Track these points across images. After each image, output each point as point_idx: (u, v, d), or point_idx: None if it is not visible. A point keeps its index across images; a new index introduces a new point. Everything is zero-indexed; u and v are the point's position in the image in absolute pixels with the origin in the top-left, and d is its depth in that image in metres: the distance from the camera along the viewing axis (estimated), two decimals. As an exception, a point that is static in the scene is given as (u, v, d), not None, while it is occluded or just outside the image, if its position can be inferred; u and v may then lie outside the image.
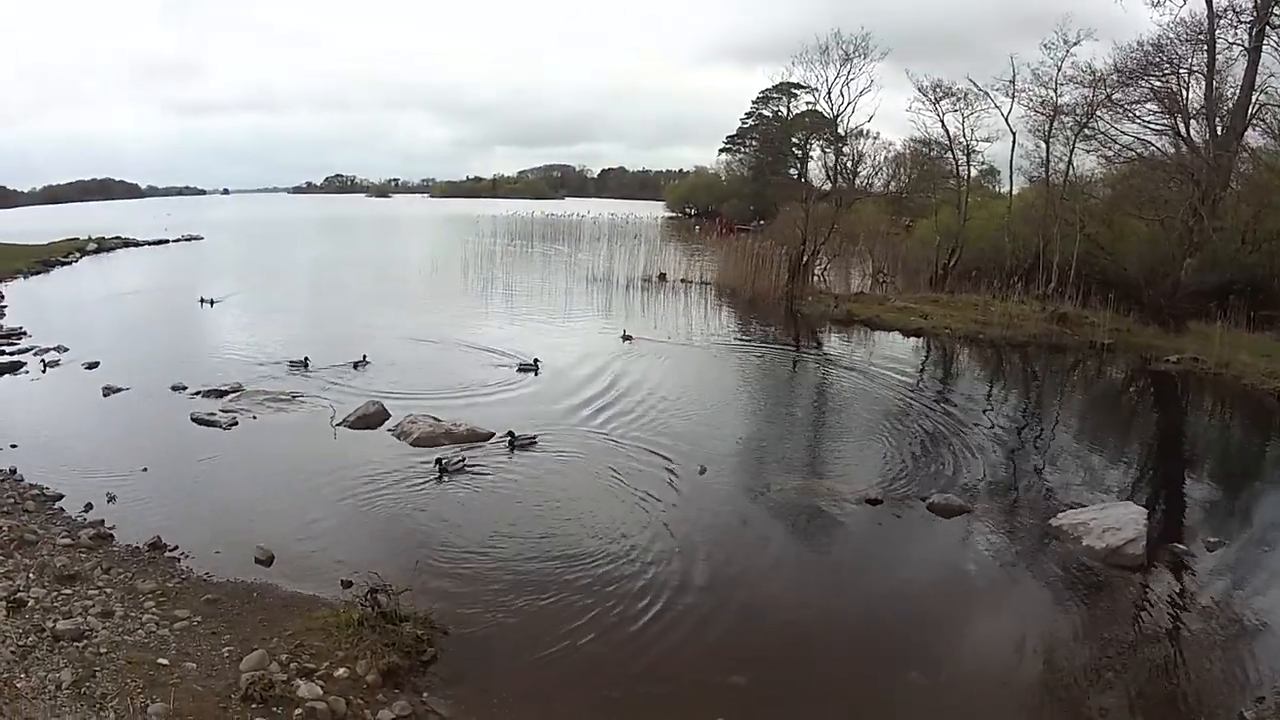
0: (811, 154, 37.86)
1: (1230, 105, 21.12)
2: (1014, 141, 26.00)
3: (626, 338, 16.86)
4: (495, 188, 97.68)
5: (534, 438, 9.69)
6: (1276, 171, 21.95)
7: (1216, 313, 19.26)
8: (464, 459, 8.69)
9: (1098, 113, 23.05)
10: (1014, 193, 27.70)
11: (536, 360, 13.87)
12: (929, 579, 7.27)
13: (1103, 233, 23.64)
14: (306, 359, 13.21)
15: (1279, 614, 6.79)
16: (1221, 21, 20.98)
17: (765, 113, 50.45)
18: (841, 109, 27.24)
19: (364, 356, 13.65)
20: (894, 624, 6.34)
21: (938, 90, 27.85)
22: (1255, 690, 5.68)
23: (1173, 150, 21.92)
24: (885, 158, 42.33)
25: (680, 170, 79.07)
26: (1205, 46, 20.89)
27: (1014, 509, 9.01)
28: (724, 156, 56.89)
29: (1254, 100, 20.94)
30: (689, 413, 11.93)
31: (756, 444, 10.88)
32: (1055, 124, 24.04)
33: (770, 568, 7.24)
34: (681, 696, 5.13)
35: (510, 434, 9.63)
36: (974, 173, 30.74)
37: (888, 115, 51.40)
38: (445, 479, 8.31)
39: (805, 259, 25.69)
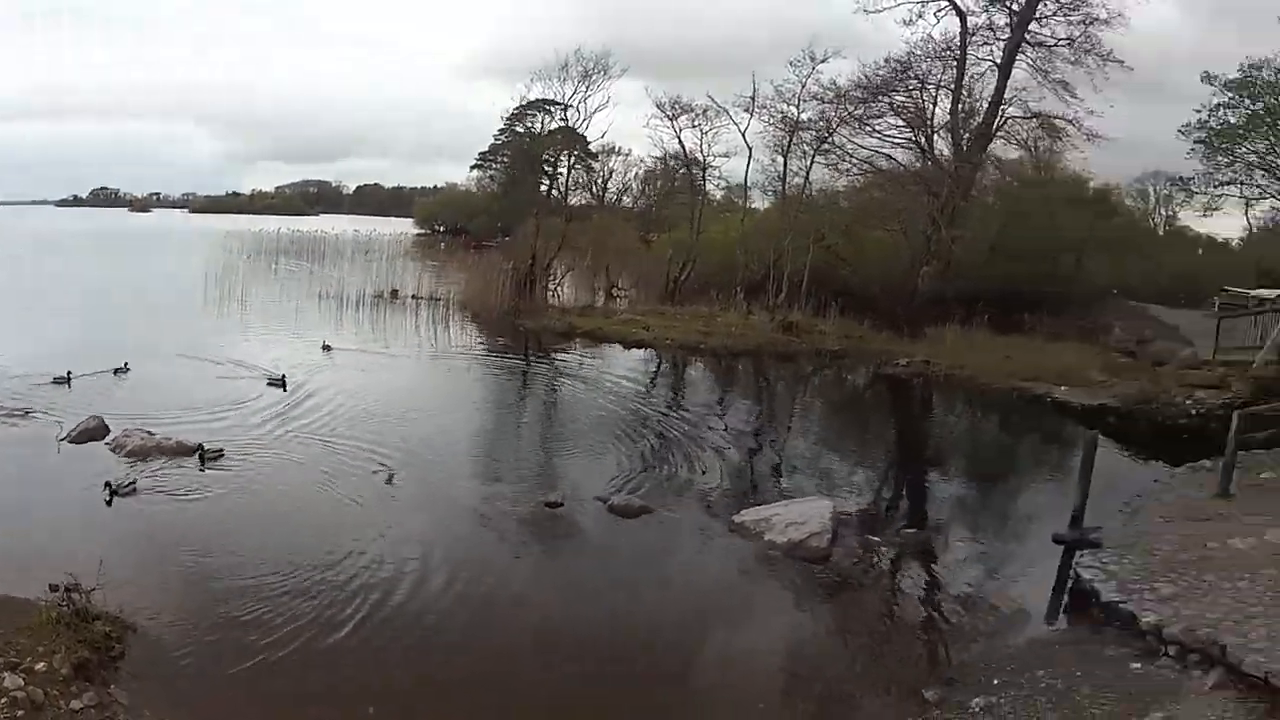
0: (560, 170, 58.80)
1: (978, 119, 38.83)
2: (749, 157, 44.22)
3: (326, 348, 28.09)
4: (253, 203, 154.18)
5: (220, 450, 16.37)
6: (1024, 182, 41.53)
7: (962, 319, 32.86)
8: (135, 478, 14.61)
9: (838, 128, 40.56)
10: (753, 208, 48.93)
11: (284, 375, 22.64)
12: (603, 579, 12.58)
13: (843, 244, 40.89)
14: (69, 373, 21.32)
15: (963, 597, 12.30)
16: (974, 39, 38.90)
17: (519, 129, 73.80)
18: (578, 124, 46.69)
19: (125, 364, 22.91)
20: (564, 625, 11.09)
21: (675, 107, 46.25)
22: (939, 669, 10.21)
23: (915, 163, 39.20)
24: (635, 174, 75.38)
25: (434, 187, 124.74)
26: (955, 63, 38.52)
27: (700, 508, 15.15)
28: (475, 173, 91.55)
29: (1000, 114, 39.22)
30: (392, 423, 19.44)
31: (449, 452, 17.80)
32: (794, 139, 41.58)
33: (436, 574, 12.13)
34: (344, 691, 9.34)
35: (200, 447, 16.31)
36: (717, 188, 54.31)
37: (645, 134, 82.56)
38: (119, 497, 13.95)
39: (534, 274, 42.06)
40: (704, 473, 17.32)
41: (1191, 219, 59.72)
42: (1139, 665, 9.60)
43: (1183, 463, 17.59)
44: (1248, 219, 56.16)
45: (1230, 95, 37.37)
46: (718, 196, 58.35)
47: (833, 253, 41.06)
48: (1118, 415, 22.74)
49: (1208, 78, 37.75)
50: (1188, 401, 21.83)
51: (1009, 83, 39.22)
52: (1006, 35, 38.85)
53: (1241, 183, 39.29)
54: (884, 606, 12.16)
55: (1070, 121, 39.92)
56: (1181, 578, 11.35)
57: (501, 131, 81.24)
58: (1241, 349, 23.92)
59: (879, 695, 9.71)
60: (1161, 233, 68.21)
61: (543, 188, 57.82)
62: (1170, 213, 67.89)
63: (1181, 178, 42.36)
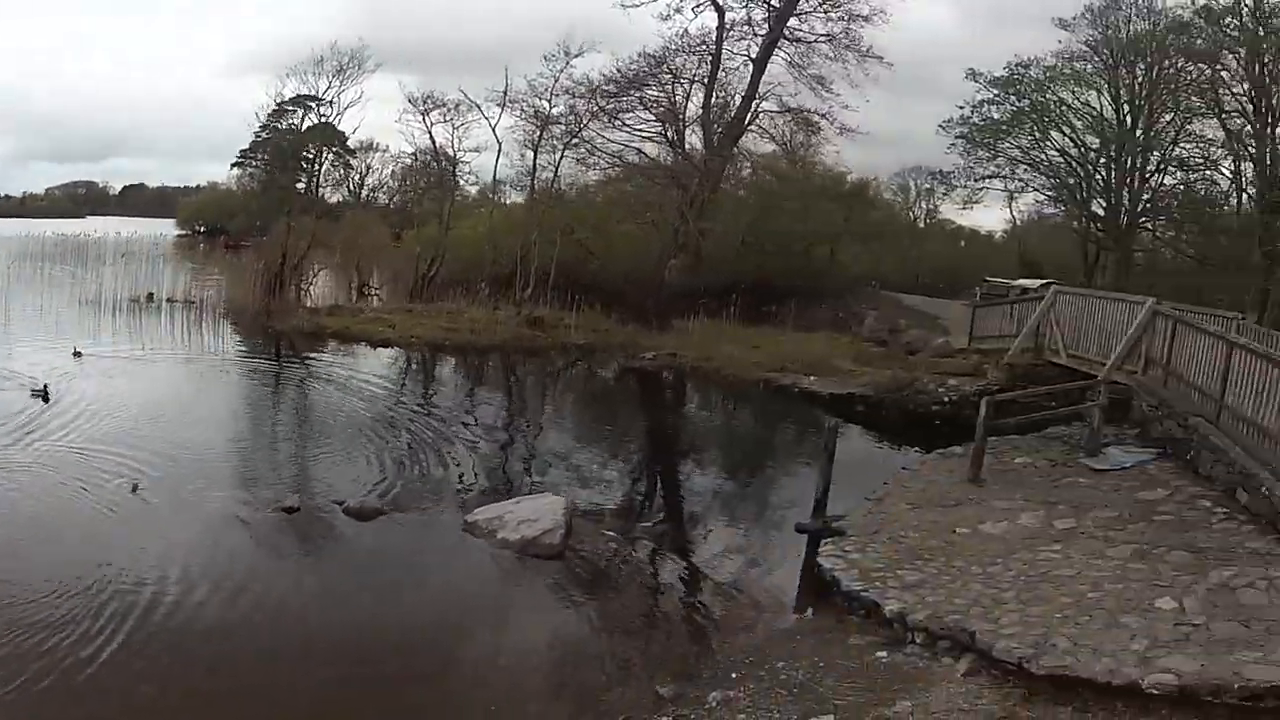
0: (319, 167, 64.54)
1: (731, 114, 45.10)
2: (499, 151, 47.78)
3: (77, 354, 28.84)
4: (25, 205, 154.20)
5: None
6: (778, 175, 46.53)
7: (714, 311, 37.58)
8: None
9: (589, 123, 45.03)
10: (505, 203, 54.79)
11: (46, 386, 23.03)
12: (338, 583, 13.32)
13: (594, 238, 45.57)
14: None
15: (704, 589, 13.68)
16: (731, 34, 44.38)
17: (280, 125, 73.31)
18: (332, 119, 51.82)
19: None
20: (314, 630, 11.72)
21: (428, 101, 49.82)
22: (675, 665, 10.98)
23: (666, 157, 45.14)
24: (393, 171, 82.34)
25: (197, 186, 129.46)
26: (710, 58, 43.91)
27: (437, 508, 16.43)
28: (235, 171, 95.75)
29: (753, 108, 45.09)
30: (139, 430, 20.31)
31: (195, 460, 18.46)
32: (545, 134, 45.25)
33: (177, 580, 12.64)
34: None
35: None
36: (468, 184, 59.77)
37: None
38: None
39: (284, 274, 44.78)
40: (444, 472, 18.73)
41: (953, 212, 65.63)
42: (885, 654, 10.47)
43: (935, 449, 19.07)
44: (1011, 212, 62.68)
45: (995, 92, 43.19)
46: (472, 193, 61.58)
47: (582, 247, 45.02)
48: (867, 404, 25.09)
49: (972, 75, 43.21)
50: (940, 389, 23.89)
51: (764, 78, 44.72)
52: (765, 31, 44.29)
53: (1004, 176, 45.53)
54: (619, 602, 12.96)
55: (823, 116, 45.66)
56: (928, 564, 12.51)
57: (263, 128, 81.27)
58: (996, 337, 26.30)
59: (612, 693, 10.22)
60: (922, 225, 75.01)
61: (300, 185, 61.22)
62: (931, 206, 74.42)
63: (942, 171, 49.29)
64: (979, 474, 16.23)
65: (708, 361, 31.79)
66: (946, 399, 23.36)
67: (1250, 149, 41.72)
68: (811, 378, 28.18)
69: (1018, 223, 66.07)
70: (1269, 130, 41.20)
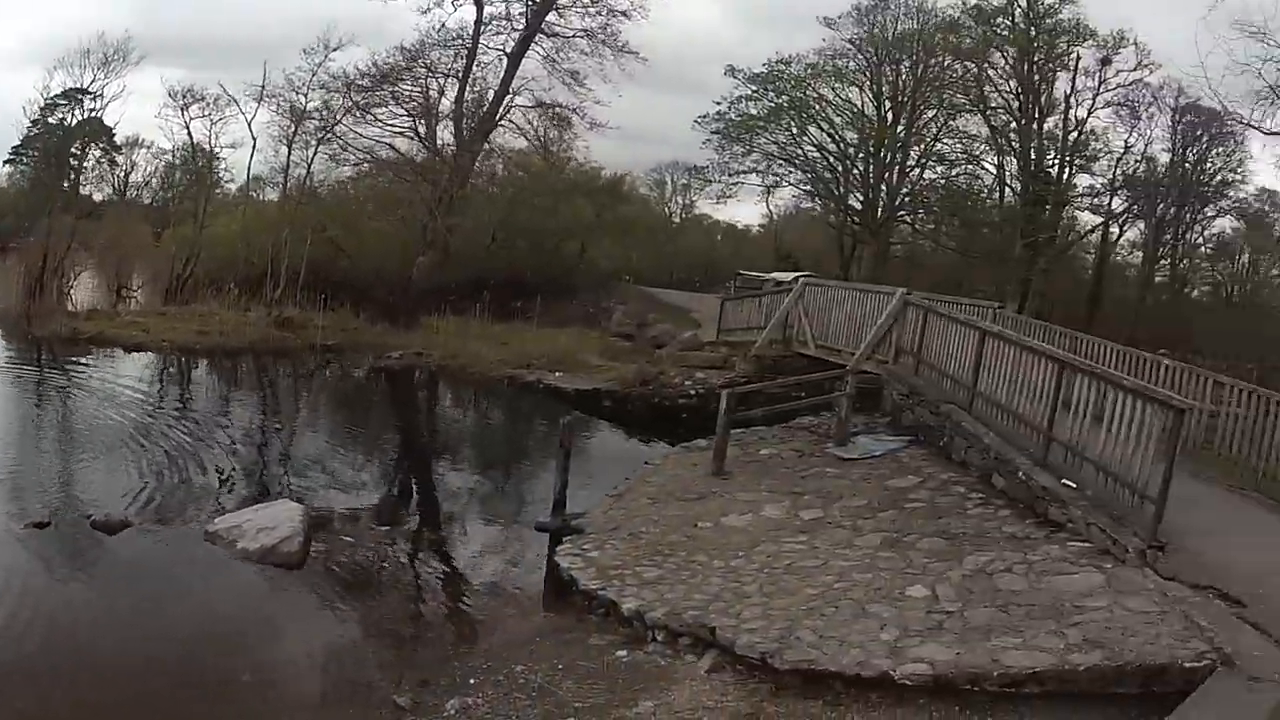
0: (85, 164, 62.33)
1: (485, 109, 45.32)
2: (254, 148, 47.86)
3: None
4: None
5: None
6: (529, 171, 47.42)
7: (464, 308, 37.86)
8: None
9: (342, 118, 44.93)
10: (261, 200, 53.49)
11: None
12: (88, 599, 12.50)
13: (346, 236, 45.15)
14: None
15: (444, 593, 13.57)
16: (489, 28, 44.59)
17: (50, 120, 69.04)
18: (97, 113, 51.67)
19: None
20: (68, 649, 10.93)
21: (188, 96, 50.90)
22: (413, 672, 10.57)
23: (417, 153, 45.29)
24: (156, 168, 78.25)
25: None
26: (467, 52, 44.28)
27: (183, 517, 15.62)
28: (7, 169, 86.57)
29: (506, 103, 45.36)
30: None
31: None
32: (299, 129, 45.26)
33: None
34: None
35: None
36: (226, 181, 59.58)
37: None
38: None
39: (45, 276, 43.09)
40: (193, 480, 18.07)
41: (710, 207, 66.88)
42: (625, 654, 10.21)
43: (681, 443, 18.89)
44: (768, 206, 62.90)
45: (754, 89, 44.05)
46: (232, 190, 61.44)
47: (334, 245, 44.32)
48: (614, 399, 24.94)
49: (731, 71, 44.09)
50: (687, 383, 23.76)
51: (520, 73, 44.98)
52: (523, 25, 44.63)
53: (760, 171, 46.81)
54: (361, 609, 12.62)
55: (574, 110, 46.41)
56: (668, 560, 12.17)
57: (34, 124, 77.04)
58: (745, 330, 26.36)
59: (348, 707, 9.96)
60: (678, 220, 75.67)
61: (66, 183, 59.03)
62: (688, 201, 75.21)
63: (696, 166, 51.30)
64: (722, 467, 16.00)
65: (453, 359, 32.07)
66: (693, 392, 23.24)
67: (1014, 144, 44.06)
68: (558, 373, 28.14)
69: (775, 217, 67.39)
70: (1033, 126, 43.63)
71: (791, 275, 35.76)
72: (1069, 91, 44.96)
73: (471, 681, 9.91)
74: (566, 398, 25.70)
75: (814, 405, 19.12)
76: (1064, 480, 12.43)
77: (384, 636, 11.76)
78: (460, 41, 44.32)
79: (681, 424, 21.46)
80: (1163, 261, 56.96)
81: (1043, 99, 44.43)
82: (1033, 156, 44.59)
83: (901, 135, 44.94)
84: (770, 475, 15.69)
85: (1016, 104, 43.97)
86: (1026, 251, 43.45)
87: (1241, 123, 32.63)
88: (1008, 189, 46.92)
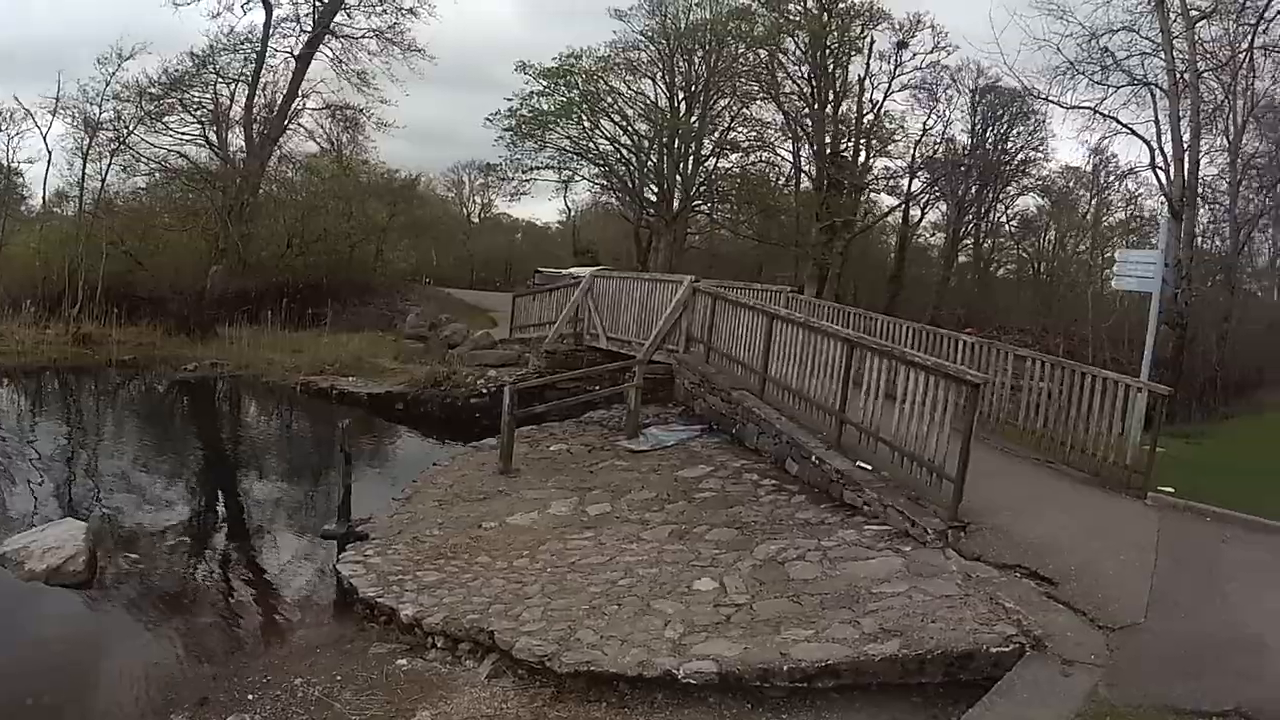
0: None
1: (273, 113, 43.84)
2: (49, 162, 46.66)
3: None
4: None
5: None
6: (319, 174, 46.86)
7: (261, 316, 36.80)
8: None
9: (135, 127, 42.83)
10: (58, 215, 49.87)
11: None
12: None
13: (142, 248, 43.18)
14: None
15: (227, 605, 12.83)
16: (278, 30, 43.22)
17: None
18: None
19: None
20: None
21: None
22: (193, 689, 10.07)
23: (211, 161, 43.72)
24: None
25: None
26: (256, 55, 42.78)
27: None
28: None
29: (294, 107, 44.36)
30: None
31: None
32: (94, 141, 43.13)
33: None
34: None
35: None
36: (25, 197, 54.31)
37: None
38: None
39: None
40: None
41: (511, 205, 66.68)
42: (405, 662, 9.90)
43: (472, 442, 18.54)
44: (566, 202, 62.97)
45: (545, 84, 43.52)
46: (36, 207, 58.20)
47: (131, 258, 42.77)
48: (406, 401, 24.77)
49: (522, 66, 43.62)
50: (480, 381, 23.47)
51: (308, 75, 44.16)
52: (312, 26, 43.08)
53: (555, 166, 46.55)
54: (141, 626, 12.10)
55: (360, 111, 46.13)
56: (450, 563, 11.71)
57: None
58: (538, 325, 26.10)
59: None
60: (477, 220, 75.13)
61: None
62: (487, 200, 74.61)
63: (489, 164, 49.50)
64: (510, 465, 15.63)
65: (247, 369, 31.64)
66: (484, 390, 23.01)
67: (808, 130, 44.35)
68: (351, 378, 27.66)
69: (573, 212, 68.18)
70: (826, 111, 44.02)
71: (589, 270, 35.64)
72: (863, 75, 45.68)
73: (250, 697, 9.53)
74: (359, 402, 25.54)
75: (605, 398, 18.96)
76: (859, 462, 12.25)
77: (164, 654, 11.22)
78: (249, 45, 43.02)
79: (475, 423, 21.31)
80: (966, 241, 58.57)
81: (837, 84, 45.04)
82: (827, 141, 44.98)
83: (695, 125, 45.12)
84: (560, 472, 15.37)
85: (809, 89, 44.25)
86: (822, 235, 43.81)
87: (1040, 97, 33.23)
88: (804, 175, 47.52)
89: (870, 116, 46.44)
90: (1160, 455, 13.73)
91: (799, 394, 14.18)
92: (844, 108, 46.23)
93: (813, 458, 12.71)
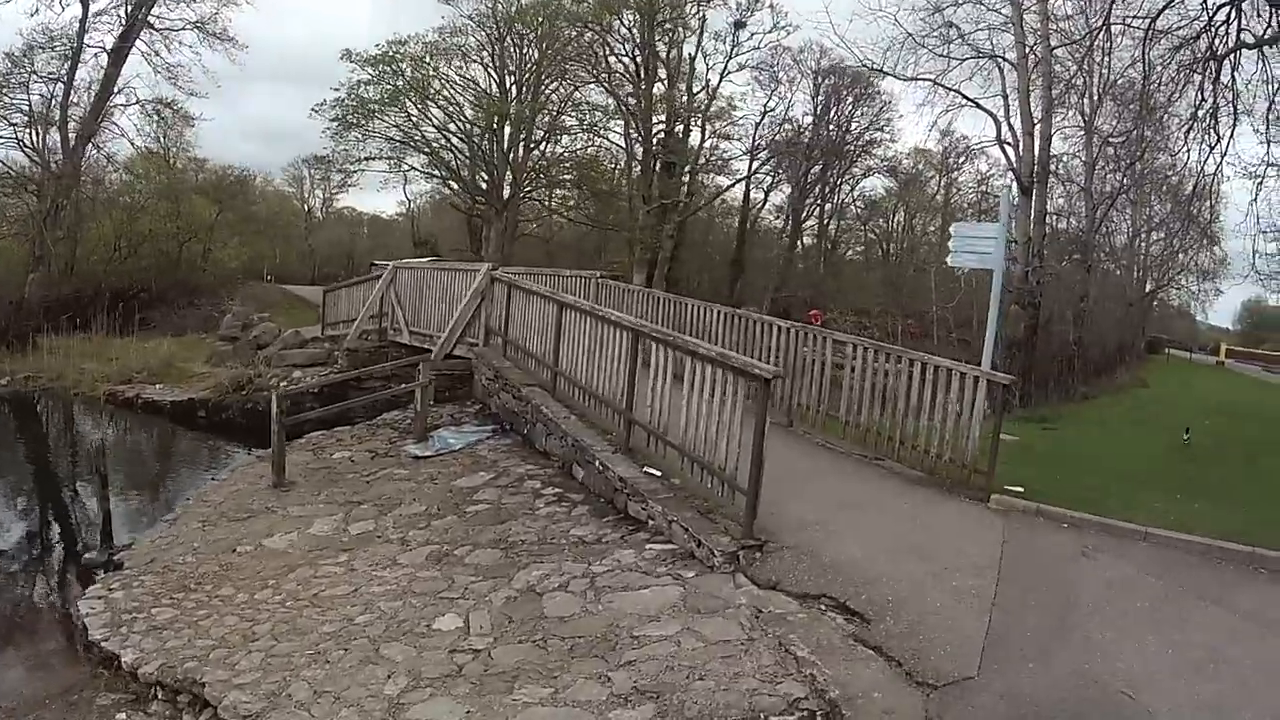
0: None
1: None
2: None
3: None
4: None
5: None
6: (136, 173, 46.13)
7: (85, 324, 35.62)
8: None
9: None
10: None
11: None
12: None
13: None
14: None
15: None
16: (96, 25, 40.85)
17: None
18: None
19: None
20: None
21: None
22: None
23: (31, 165, 41.76)
24: None
25: None
26: (72, 52, 40.48)
27: None
28: None
29: (108, 104, 41.83)
30: None
31: None
32: None
33: None
34: None
35: None
36: None
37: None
38: None
39: None
40: None
41: (354, 198, 65.57)
42: (125, 716, 8.70)
43: (258, 450, 17.31)
44: (405, 193, 62.21)
45: (371, 71, 42.43)
46: None
47: None
48: (208, 408, 23.50)
49: (347, 55, 42.32)
50: (284, 383, 21.91)
51: (124, 71, 41.73)
52: (125, 19, 41.07)
53: (385, 157, 45.47)
54: None
55: (168, 105, 44.08)
56: (190, 595, 10.38)
57: None
58: (347, 322, 24.83)
59: None
60: (321, 216, 73.67)
61: None
62: (329, 194, 73.19)
63: (318, 156, 49.28)
64: (283, 478, 14.23)
65: (59, 381, 29.64)
66: (307, 390, 20.91)
67: (635, 111, 43.54)
68: (158, 385, 26.05)
69: (411, 204, 67.32)
70: (653, 90, 43.50)
71: (426, 260, 34.57)
72: (693, 55, 44.92)
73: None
74: (162, 411, 24.26)
75: (404, 398, 17.57)
76: (646, 468, 11.00)
77: None
78: (65, 42, 40.59)
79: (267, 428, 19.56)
80: (810, 224, 58.33)
81: (671, 65, 44.39)
82: (659, 121, 44.46)
83: (526, 111, 44.07)
84: (335, 483, 14.03)
85: (635, 68, 43.57)
86: (651, 218, 43.12)
87: (875, 70, 32.64)
88: (635, 158, 46.54)
89: (702, 96, 45.74)
90: (1011, 445, 12.91)
91: (588, 390, 12.98)
92: (679, 89, 45.42)
93: (597, 463, 11.46)
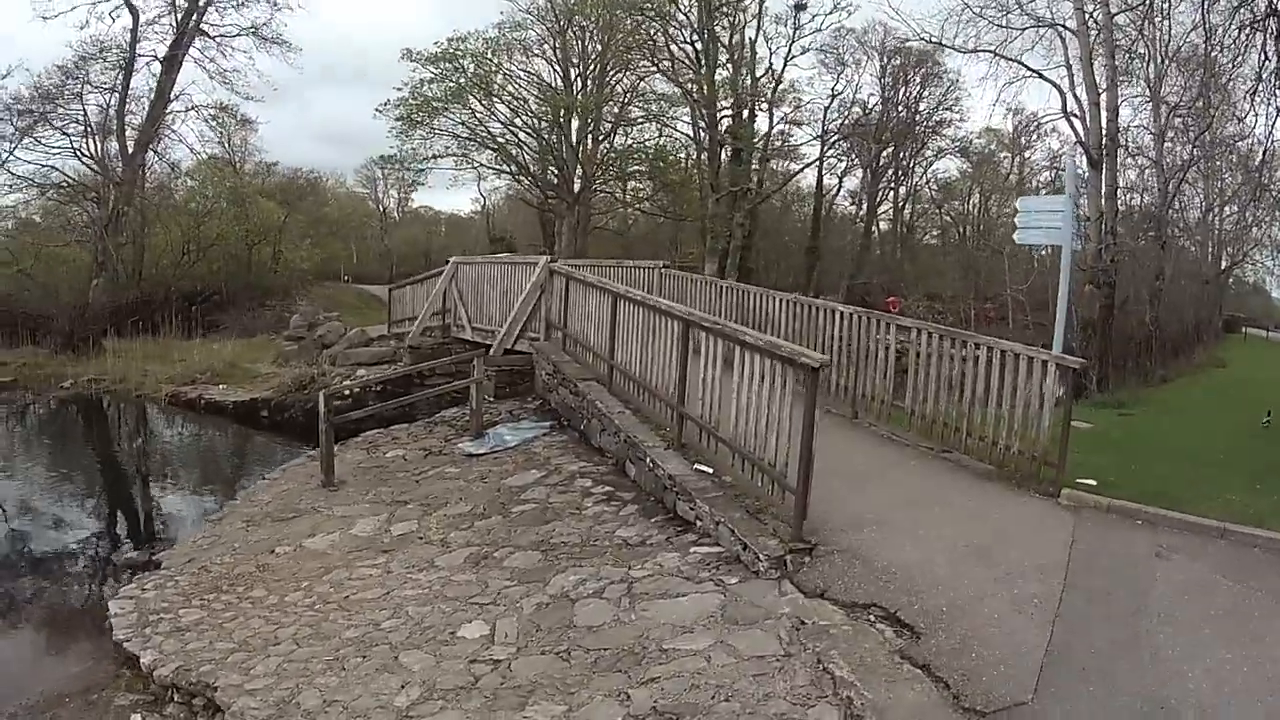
0: None
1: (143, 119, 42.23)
2: None
3: None
4: None
5: None
6: (197, 178, 47.51)
7: (154, 327, 36.68)
8: None
9: (15, 147, 41.43)
10: None
11: None
12: None
13: (37, 267, 41.88)
14: None
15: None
16: (147, 35, 41.52)
17: None
18: None
19: None
20: None
21: None
22: None
23: (94, 174, 42.37)
24: None
25: None
26: (124, 62, 41.21)
27: None
28: None
29: (165, 110, 42.17)
30: None
31: None
32: None
33: None
34: None
35: None
36: None
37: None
38: None
39: None
40: None
41: (430, 199, 66.10)
42: (139, 718, 8.42)
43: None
44: (480, 191, 62.17)
45: (434, 70, 41.89)
46: None
47: (25, 276, 41.71)
48: (270, 408, 23.41)
49: (408, 54, 41.85)
50: (347, 382, 21.71)
51: (179, 77, 42.21)
52: (177, 26, 41.64)
53: (453, 155, 44.95)
54: None
55: (225, 110, 44.90)
56: (222, 597, 10.03)
57: None
58: (412, 319, 24.46)
59: None
60: (398, 216, 74.28)
61: None
62: (403, 195, 73.69)
63: (384, 156, 48.08)
64: (331, 478, 13.84)
65: (123, 383, 29.91)
66: (347, 392, 20.81)
67: (699, 99, 42.78)
68: (222, 386, 26.15)
69: (486, 201, 67.31)
70: (715, 77, 42.34)
71: (504, 257, 34.38)
72: (754, 39, 43.96)
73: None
74: (225, 411, 24.35)
75: (458, 394, 17.15)
76: (697, 465, 10.29)
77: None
78: (118, 52, 41.51)
79: (340, 428, 18.69)
80: (884, 208, 57.94)
81: (734, 50, 43.41)
82: (723, 108, 43.50)
83: (591, 103, 43.75)
84: (385, 482, 13.58)
85: (698, 56, 42.53)
86: (720, 207, 42.21)
87: (934, 42, 31.89)
88: (703, 147, 45.80)
89: (767, 80, 44.69)
90: (1085, 433, 12.14)
91: (642, 384, 12.32)
92: (742, 74, 44.36)
93: (648, 460, 10.76)
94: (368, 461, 14.89)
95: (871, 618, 7.19)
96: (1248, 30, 15.38)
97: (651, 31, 42.02)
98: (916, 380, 12.60)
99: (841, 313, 14.40)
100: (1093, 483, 10.58)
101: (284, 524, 12.30)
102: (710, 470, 10.06)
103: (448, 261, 22.47)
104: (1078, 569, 8.26)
